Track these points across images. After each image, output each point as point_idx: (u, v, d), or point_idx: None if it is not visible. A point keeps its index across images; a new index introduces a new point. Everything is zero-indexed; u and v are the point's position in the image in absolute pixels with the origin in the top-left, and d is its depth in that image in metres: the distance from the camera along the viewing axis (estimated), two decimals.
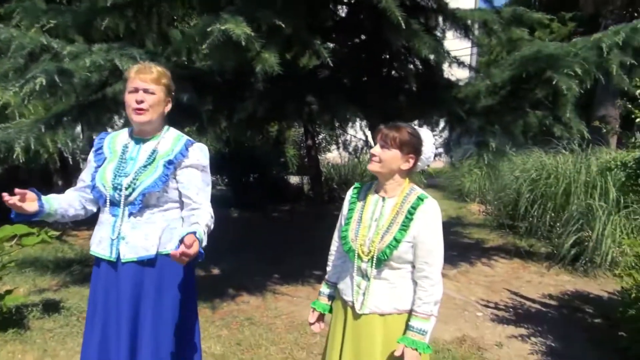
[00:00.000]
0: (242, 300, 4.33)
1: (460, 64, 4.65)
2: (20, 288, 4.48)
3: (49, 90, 3.33)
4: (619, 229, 5.04)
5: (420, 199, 1.84)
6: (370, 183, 2.03)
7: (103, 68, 3.52)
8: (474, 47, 8.30)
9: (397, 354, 1.80)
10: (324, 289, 2.12)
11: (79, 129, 5.70)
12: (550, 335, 3.73)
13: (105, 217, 2.01)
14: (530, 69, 3.94)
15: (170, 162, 1.97)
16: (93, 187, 2.00)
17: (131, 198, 1.93)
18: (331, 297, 2.11)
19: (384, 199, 1.90)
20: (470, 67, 4.73)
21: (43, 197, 1.91)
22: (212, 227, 1.96)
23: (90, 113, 3.73)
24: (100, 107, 3.72)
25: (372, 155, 1.86)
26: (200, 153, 2.04)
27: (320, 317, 2.12)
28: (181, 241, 1.70)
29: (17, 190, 1.76)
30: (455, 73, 5.14)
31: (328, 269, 2.13)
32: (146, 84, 1.91)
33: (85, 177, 2.07)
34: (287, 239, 6.65)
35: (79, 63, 3.54)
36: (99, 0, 3.91)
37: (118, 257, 1.95)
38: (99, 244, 2.01)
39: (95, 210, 2.10)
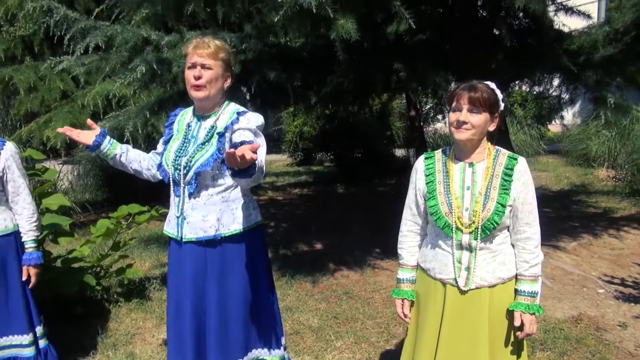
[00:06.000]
0: (341, 274, 4.35)
1: (568, 10, 4.06)
2: (146, 262, 4.97)
3: (150, 79, 3.57)
4: None
5: (512, 158, 1.76)
6: (444, 149, 1.88)
7: None
8: None
9: (517, 323, 1.73)
10: (404, 274, 1.96)
11: None
12: None
13: (172, 196, 2.04)
14: None
15: (221, 135, 1.90)
16: (159, 166, 2.04)
17: (187, 178, 1.92)
18: (413, 282, 1.96)
19: (471, 164, 1.77)
20: (582, 14, 4.12)
21: (110, 140, 1.99)
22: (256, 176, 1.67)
23: (188, 98, 3.93)
24: None
25: (462, 122, 1.69)
26: (251, 118, 1.90)
27: (410, 306, 1.97)
28: (235, 146, 1.52)
29: (89, 121, 1.87)
30: (570, 24, 4.57)
31: (402, 252, 1.97)
32: (203, 59, 1.88)
33: (160, 146, 2.12)
34: (390, 213, 6.47)
35: (176, 52, 3.76)
36: None
37: (181, 236, 1.98)
38: (169, 223, 2.05)
39: (163, 179, 2.09)
